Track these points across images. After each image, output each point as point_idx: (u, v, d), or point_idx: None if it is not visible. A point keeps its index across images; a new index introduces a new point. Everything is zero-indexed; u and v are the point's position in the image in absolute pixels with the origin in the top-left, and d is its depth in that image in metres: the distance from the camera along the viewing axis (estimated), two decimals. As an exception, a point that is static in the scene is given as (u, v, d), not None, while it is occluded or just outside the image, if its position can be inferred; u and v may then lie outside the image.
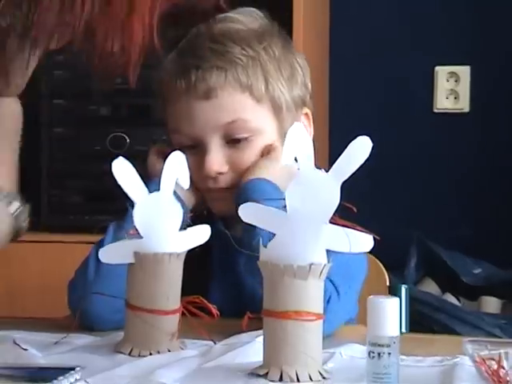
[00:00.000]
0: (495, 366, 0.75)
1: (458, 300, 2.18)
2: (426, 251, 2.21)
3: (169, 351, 0.99)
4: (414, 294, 2.01)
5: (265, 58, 1.20)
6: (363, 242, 0.90)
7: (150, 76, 2.03)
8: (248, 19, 1.23)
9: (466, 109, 2.33)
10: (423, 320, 2.00)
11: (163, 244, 1.00)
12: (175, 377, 0.88)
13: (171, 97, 1.21)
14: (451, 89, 2.32)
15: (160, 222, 1.00)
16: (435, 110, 2.34)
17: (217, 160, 1.19)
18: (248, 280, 1.13)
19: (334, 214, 0.89)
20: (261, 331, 0.93)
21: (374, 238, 0.90)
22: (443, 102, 2.34)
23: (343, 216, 0.92)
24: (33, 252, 2.07)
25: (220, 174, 1.19)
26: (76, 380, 0.84)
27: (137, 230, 0.99)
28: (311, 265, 0.88)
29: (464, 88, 2.32)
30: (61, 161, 2.13)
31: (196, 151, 1.20)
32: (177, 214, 1.00)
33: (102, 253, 1.02)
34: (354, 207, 0.90)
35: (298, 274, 0.88)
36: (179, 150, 1.19)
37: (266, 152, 1.20)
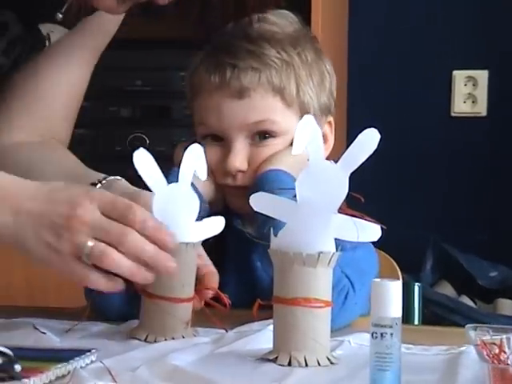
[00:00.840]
0: (497, 350, 0.77)
1: (474, 302, 2.20)
2: (442, 254, 2.23)
3: (183, 338, 1.02)
4: (429, 295, 2.02)
5: (298, 63, 1.22)
6: (371, 231, 0.92)
7: (169, 78, 2.09)
8: (284, 22, 1.25)
9: (484, 113, 2.34)
10: (439, 321, 2.02)
11: (180, 233, 1.02)
12: (188, 360, 0.91)
13: (202, 90, 1.23)
14: (469, 93, 2.34)
15: (178, 212, 1.02)
16: (453, 114, 2.36)
17: (239, 158, 1.21)
18: (262, 273, 1.15)
19: (342, 204, 0.92)
20: (271, 320, 0.96)
21: (382, 228, 0.92)
22: (461, 105, 2.35)
23: (353, 206, 0.95)
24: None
25: (240, 171, 1.21)
26: (92, 361, 0.87)
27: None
28: (320, 253, 0.91)
29: (482, 92, 2.33)
30: (81, 161, 2.15)
31: (219, 145, 1.23)
32: (194, 204, 1.03)
33: None
34: (361, 197, 0.93)
35: (307, 261, 0.91)
36: (203, 141, 1.23)
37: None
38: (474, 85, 2.34)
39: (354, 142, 0.91)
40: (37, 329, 1.01)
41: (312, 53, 1.24)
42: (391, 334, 0.75)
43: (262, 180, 1.18)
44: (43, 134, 1.25)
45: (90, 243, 0.92)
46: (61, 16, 1.09)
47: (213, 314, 1.07)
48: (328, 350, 0.93)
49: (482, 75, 2.33)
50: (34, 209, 0.94)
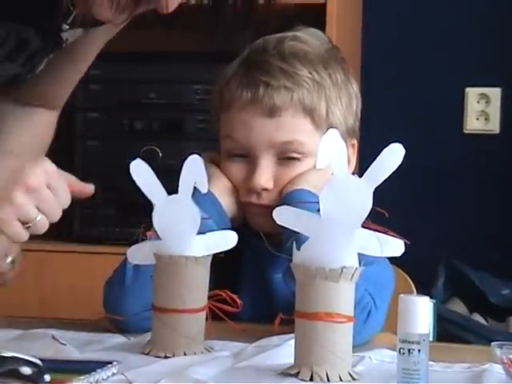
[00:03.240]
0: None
1: (486, 320, 2.18)
2: (453, 271, 2.22)
3: (185, 354, 0.99)
4: (441, 312, 2.01)
5: (329, 84, 1.22)
6: (394, 246, 0.92)
7: (183, 91, 2.09)
8: (315, 42, 1.25)
9: (496, 130, 2.34)
10: (450, 339, 2.01)
11: (180, 247, 1.01)
12: (209, 374, 0.90)
13: (233, 104, 1.22)
14: (482, 110, 2.34)
15: (177, 224, 1.01)
16: (465, 131, 2.36)
17: (265, 176, 1.20)
18: (283, 289, 1.15)
19: (366, 219, 0.91)
20: (291, 335, 0.95)
21: (405, 243, 0.92)
22: (473, 123, 2.35)
23: (375, 221, 0.95)
24: (64, 262, 2.10)
25: (265, 190, 1.21)
26: (113, 374, 0.87)
27: (155, 231, 1.02)
28: (343, 268, 0.90)
29: (494, 109, 2.33)
30: (94, 173, 2.16)
31: (245, 161, 1.22)
32: (194, 217, 1.01)
33: (130, 253, 1.05)
34: (385, 212, 0.93)
35: (329, 276, 0.90)
36: (228, 156, 1.23)
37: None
38: (486, 102, 2.34)
39: (379, 157, 0.91)
40: (56, 340, 1.00)
41: (342, 74, 1.24)
42: (419, 351, 0.74)
43: (286, 199, 1.17)
44: None
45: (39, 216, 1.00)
46: (67, 27, 1.09)
47: (231, 327, 1.07)
48: (350, 365, 0.92)
49: (495, 92, 2.33)
50: None
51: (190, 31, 2.21)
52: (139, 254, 1.05)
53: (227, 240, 1.05)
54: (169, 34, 2.24)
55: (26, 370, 0.68)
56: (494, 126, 2.33)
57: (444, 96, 2.35)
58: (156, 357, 0.99)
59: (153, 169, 1.03)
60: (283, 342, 1.01)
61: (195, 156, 1.05)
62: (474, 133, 2.35)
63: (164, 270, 1.01)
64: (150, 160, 1.80)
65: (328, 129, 1.19)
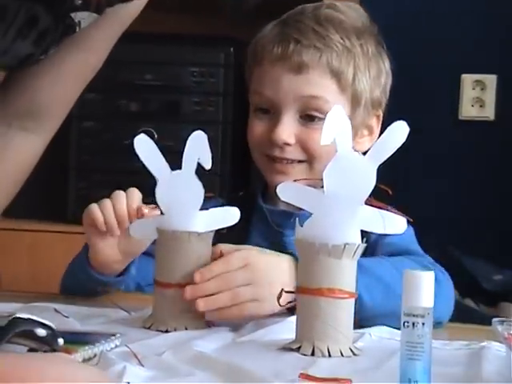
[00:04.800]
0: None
1: (478, 306, 2.20)
2: (446, 256, 2.23)
3: (186, 329, 1.00)
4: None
5: (359, 53, 1.24)
6: (397, 223, 0.93)
7: (179, 73, 2.09)
8: (353, 15, 1.28)
9: (492, 117, 2.35)
10: (442, 323, 2.02)
11: (183, 222, 1.01)
12: (211, 347, 0.91)
13: (264, 60, 1.25)
14: (477, 97, 2.34)
15: (180, 200, 1.02)
16: (460, 118, 2.36)
17: (287, 131, 1.22)
18: None
19: (369, 196, 0.92)
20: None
21: (408, 221, 0.93)
22: (469, 109, 2.36)
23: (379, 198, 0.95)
24: (59, 242, 2.11)
25: (287, 144, 1.22)
26: (116, 346, 0.87)
27: (158, 206, 1.03)
28: (346, 244, 0.91)
29: (490, 96, 2.34)
30: (89, 154, 2.16)
31: (269, 117, 1.24)
32: (197, 193, 1.02)
33: (132, 228, 1.06)
34: (389, 190, 0.93)
35: (332, 252, 0.91)
36: (254, 110, 1.26)
37: None
38: (482, 89, 2.34)
39: (383, 134, 0.92)
40: (59, 312, 1.01)
41: (374, 47, 1.27)
42: (423, 324, 0.75)
43: None
44: None
45: None
46: (80, 1, 1.09)
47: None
48: (351, 341, 0.93)
49: (491, 79, 2.33)
50: None
51: (188, 13, 2.20)
52: (142, 228, 1.05)
53: (230, 216, 1.05)
54: (166, 15, 2.24)
55: (41, 332, 0.69)
56: (489, 113, 2.34)
57: (440, 82, 2.35)
58: (157, 331, 0.99)
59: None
60: (283, 319, 1.02)
61: (199, 132, 1.05)
62: (469, 119, 2.35)
63: (166, 245, 1.02)
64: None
65: (352, 95, 1.23)
